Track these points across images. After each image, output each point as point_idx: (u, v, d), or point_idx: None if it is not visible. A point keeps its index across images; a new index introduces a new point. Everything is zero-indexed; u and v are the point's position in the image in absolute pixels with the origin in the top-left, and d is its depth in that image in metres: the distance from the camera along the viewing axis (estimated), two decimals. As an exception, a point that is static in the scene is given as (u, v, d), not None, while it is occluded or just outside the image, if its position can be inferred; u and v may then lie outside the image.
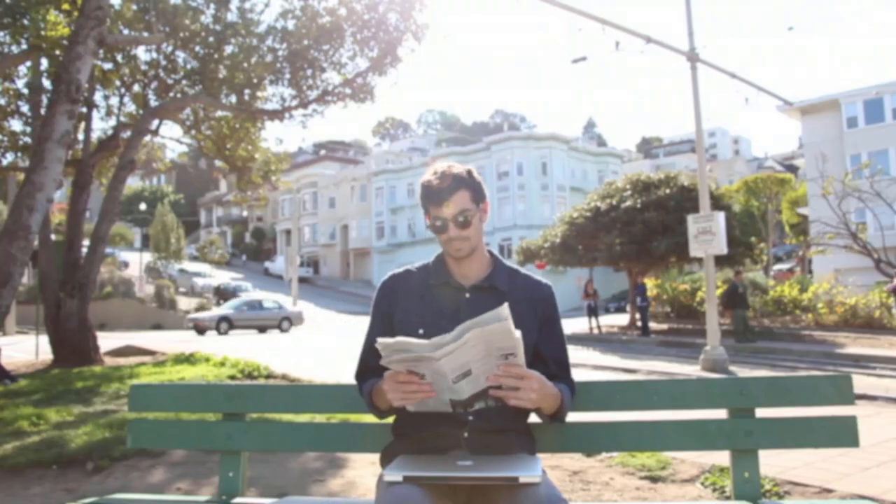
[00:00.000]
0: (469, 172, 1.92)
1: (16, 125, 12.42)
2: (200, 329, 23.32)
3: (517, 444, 1.84)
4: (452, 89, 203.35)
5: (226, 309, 25.79)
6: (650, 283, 21.87)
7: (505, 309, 1.57)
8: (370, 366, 1.95)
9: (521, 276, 2.00)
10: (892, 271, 17.62)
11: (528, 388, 1.66)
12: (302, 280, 43.73)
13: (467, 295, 1.92)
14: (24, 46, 9.94)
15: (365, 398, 1.91)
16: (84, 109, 11.59)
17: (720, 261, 17.76)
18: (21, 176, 10.65)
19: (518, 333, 1.61)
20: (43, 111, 9.29)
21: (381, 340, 1.61)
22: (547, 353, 1.95)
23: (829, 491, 3.47)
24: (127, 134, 12.00)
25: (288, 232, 55.99)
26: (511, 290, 1.95)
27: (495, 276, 1.95)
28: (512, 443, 1.83)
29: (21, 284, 11.02)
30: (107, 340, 13.50)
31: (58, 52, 9.18)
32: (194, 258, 50.81)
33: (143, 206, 49.52)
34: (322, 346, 15.02)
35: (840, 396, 2.02)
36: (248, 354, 10.43)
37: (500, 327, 1.57)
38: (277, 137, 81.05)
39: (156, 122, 12.88)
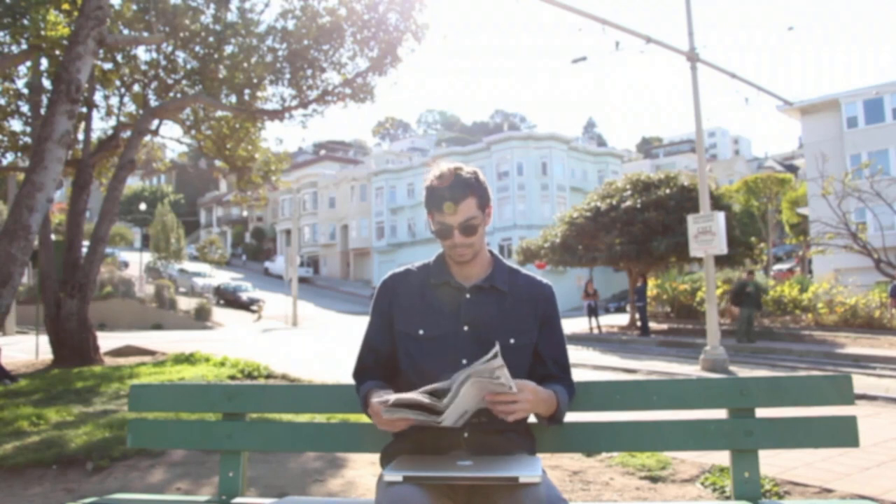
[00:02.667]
0: (476, 176, 1.89)
1: (16, 125, 12.42)
2: None
3: (517, 444, 1.85)
4: (452, 89, 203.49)
5: None
6: (650, 283, 21.86)
7: (497, 361, 1.58)
8: (368, 365, 1.96)
9: (521, 276, 2.00)
10: (893, 271, 17.61)
11: (523, 399, 1.68)
12: (302, 280, 43.71)
13: (468, 295, 1.92)
14: (24, 46, 9.93)
15: (360, 400, 1.91)
16: (84, 109, 11.58)
17: (720, 261, 17.77)
18: (21, 176, 10.65)
19: (511, 382, 1.64)
20: (43, 111, 9.29)
21: (386, 406, 1.63)
22: (546, 353, 1.96)
23: (829, 491, 3.47)
24: (127, 134, 11.99)
25: (288, 232, 56.00)
26: (511, 291, 1.95)
27: (496, 276, 1.95)
28: (512, 443, 1.84)
29: (21, 284, 11.01)
30: (107, 340, 13.49)
31: (58, 52, 9.18)
32: (194, 258, 50.78)
33: (143, 206, 49.50)
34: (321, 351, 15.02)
35: (840, 396, 2.02)
36: (249, 354, 10.44)
37: (493, 379, 1.61)
38: (277, 137, 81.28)
39: (156, 122, 12.87)
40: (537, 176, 46.64)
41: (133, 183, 63.35)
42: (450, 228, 1.86)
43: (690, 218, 12.32)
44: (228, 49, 12.44)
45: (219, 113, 13.52)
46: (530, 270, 2.10)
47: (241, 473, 2.21)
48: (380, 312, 1.98)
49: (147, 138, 13.24)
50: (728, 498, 2.40)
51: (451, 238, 1.87)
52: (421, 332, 1.89)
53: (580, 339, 19.11)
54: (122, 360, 11.07)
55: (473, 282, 1.94)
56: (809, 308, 19.24)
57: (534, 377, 1.94)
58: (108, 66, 12.07)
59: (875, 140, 27.80)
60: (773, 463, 3.90)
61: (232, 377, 8.12)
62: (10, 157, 13.05)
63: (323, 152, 76.29)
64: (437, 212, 1.87)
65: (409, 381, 1.83)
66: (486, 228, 1.94)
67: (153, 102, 12.79)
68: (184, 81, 12.98)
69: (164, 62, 12.83)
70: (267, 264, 56.27)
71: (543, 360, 1.96)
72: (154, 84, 13.05)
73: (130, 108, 13.42)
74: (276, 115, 12.64)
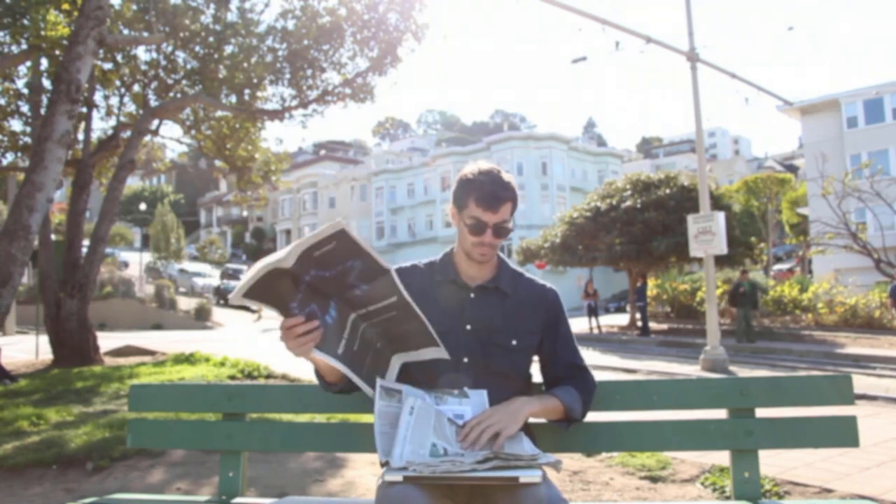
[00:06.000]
0: (513, 182, 1.89)
1: (16, 125, 12.41)
2: None
3: (517, 444, 1.85)
4: (452, 89, 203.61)
5: None
6: (651, 283, 21.87)
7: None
8: None
9: (525, 280, 2.01)
10: (893, 271, 17.61)
11: (489, 423, 1.68)
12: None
13: (472, 294, 1.93)
14: (24, 46, 9.93)
15: (314, 370, 1.88)
16: (84, 109, 11.58)
17: (720, 261, 17.77)
18: (21, 176, 10.65)
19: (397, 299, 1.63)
20: (43, 111, 9.29)
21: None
22: (560, 357, 1.97)
23: (829, 491, 3.47)
24: (127, 134, 11.99)
25: (288, 232, 56.04)
26: (515, 293, 1.96)
27: (500, 278, 1.96)
28: (512, 443, 1.84)
29: (21, 284, 11.01)
30: (107, 340, 13.49)
31: (58, 52, 9.17)
32: (194, 258, 50.79)
33: (143, 206, 49.49)
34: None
35: (840, 396, 2.02)
36: (249, 354, 10.43)
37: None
38: (277, 137, 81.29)
39: (156, 122, 12.87)
40: (537, 176, 46.64)
41: (133, 183, 63.31)
42: (484, 226, 1.85)
43: (690, 218, 12.32)
44: (228, 49, 12.44)
45: (219, 113, 13.52)
46: (530, 270, 2.11)
47: (241, 473, 2.21)
48: None
49: (147, 138, 13.24)
50: (728, 498, 2.40)
51: (482, 236, 1.86)
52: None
53: (580, 339, 18.59)
54: (122, 360, 11.07)
55: (478, 282, 1.95)
56: (809, 308, 19.24)
57: (547, 381, 1.99)
58: (108, 66, 12.06)
59: (875, 140, 27.80)
60: (773, 463, 3.90)
61: (232, 377, 8.12)
62: (10, 157, 13.05)
63: (323, 152, 76.31)
64: (478, 207, 1.84)
65: (409, 377, 1.83)
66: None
67: (153, 102, 12.78)
68: (184, 81, 12.98)
69: (164, 62, 12.83)
70: (267, 264, 56.15)
71: (557, 365, 1.97)
72: (154, 84, 13.04)
73: (130, 108, 13.43)
74: (276, 115, 12.64)
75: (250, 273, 1.46)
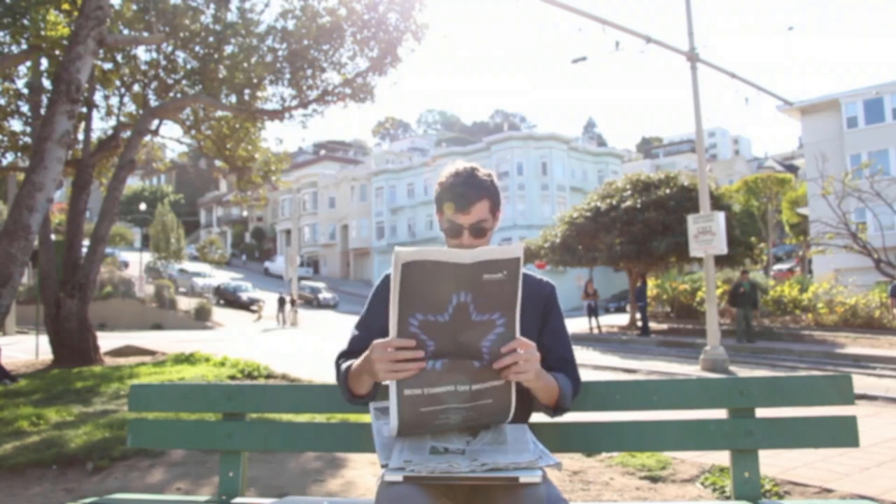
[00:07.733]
0: (492, 179, 1.88)
1: (16, 125, 12.43)
2: None
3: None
4: (452, 89, 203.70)
5: None
6: (650, 283, 21.87)
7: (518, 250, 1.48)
8: (355, 352, 1.93)
9: (524, 277, 1.99)
10: (893, 271, 17.61)
11: (532, 358, 1.59)
12: (302, 280, 43.72)
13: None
14: (24, 46, 9.94)
15: (340, 377, 1.84)
16: (84, 109, 11.59)
17: (720, 261, 17.78)
18: (21, 176, 10.66)
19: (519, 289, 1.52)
20: (43, 111, 9.29)
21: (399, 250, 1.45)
22: (549, 350, 1.95)
23: (829, 491, 3.47)
24: (127, 134, 12.00)
25: (288, 232, 56.09)
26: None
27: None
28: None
29: (21, 284, 11.01)
30: (107, 340, 13.50)
31: (58, 52, 9.19)
32: (194, 258, 50.79)
33: (143, 206, 49.53)
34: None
35: (840, 396, 2.02)
36: (249, 354, 10.44)
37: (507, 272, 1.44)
38: (277, 137, 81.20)
39: (156, 122, 12.88)
40: (537, 176, 46.65)
41: (133, 183, 63.39)
42: (460, 228, 1.85)
43: (690, 218, 12.32)
44: (228, 49, 12.44)
45: (219, 113, 13.53)
46: (531, 270, 2.09)
47: (241, 473, 2.21)
48: (380, 302, 1.96)
49: (147, 138, 13.25)
50: (728, 498, 2.40)
51: (459, 238, 1.86)
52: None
53: (580, 339, 19.10)
54: (122, 360, 11.07)
55: (476, 280, 1.94)
56: (809, 308, 19.24)
57: None
58: (108, 66, 12.08)
59: (875, 140, 27.80)
60: (773, 463, 3.90)
61: (232, 377, 8.12)
62: (10, 157, 13.05)
63: (323, 152, 76.33)
64: (449, 209, 1.85)
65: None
66: (492, 232, 1.93)
67: (153, 102, 12.79)
68: (184, 81, 12.99)
69: (164, 62, 12.84)
70: (267, 264, 56.29)
71: (546, 357, 1.95)
72: (154, 84, 13.05)
73: (130, 108, 13.44)
74: (276, 115, 12.65)
75: (427, 250, 1.40)
